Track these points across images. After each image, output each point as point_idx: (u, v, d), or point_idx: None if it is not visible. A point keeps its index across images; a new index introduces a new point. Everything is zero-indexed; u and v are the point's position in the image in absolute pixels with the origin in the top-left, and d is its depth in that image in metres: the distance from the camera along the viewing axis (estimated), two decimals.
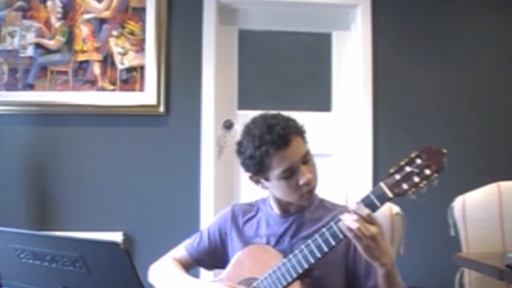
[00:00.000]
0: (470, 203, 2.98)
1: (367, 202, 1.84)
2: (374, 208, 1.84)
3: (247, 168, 2.10)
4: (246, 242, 2.19)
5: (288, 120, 2.08)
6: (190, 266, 2.32)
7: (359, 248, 1.83)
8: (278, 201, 2.17)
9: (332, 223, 1.91)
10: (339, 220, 1.88)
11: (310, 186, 2.06)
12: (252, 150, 2.02)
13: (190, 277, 2.23)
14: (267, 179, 2.08)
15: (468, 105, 4.24)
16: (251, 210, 2.28)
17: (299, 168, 2.03)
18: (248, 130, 2.08)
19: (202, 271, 2.49)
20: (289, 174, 2.03)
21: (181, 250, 2.34)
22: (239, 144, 2.11)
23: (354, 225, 1.79)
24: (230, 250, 2.24)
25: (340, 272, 2.08)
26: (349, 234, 1.81)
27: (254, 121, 2.10)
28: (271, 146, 1.99)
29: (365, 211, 1.81)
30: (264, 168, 2.04)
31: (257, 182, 2.13)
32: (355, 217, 1.80)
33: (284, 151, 2.00)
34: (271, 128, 2.01)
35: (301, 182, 2.03)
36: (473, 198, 3.00)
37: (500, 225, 2.95)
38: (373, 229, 1.79)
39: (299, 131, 2.08)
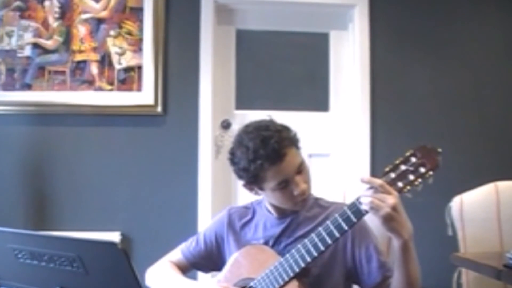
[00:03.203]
0: (468, 203, 2.98)
1: None
2: None
3: (240, 178, 2.10)
4: (243, 245, 2.19)
5: (281, 131, 2.04)
6: (187, 269, 2.32)
7: (378, 221, 1.81)
8: (273, 205, 2.17)
9: (328, 222, 1.91)
10: (336, 218, 1.89)
11: (304, 195, 2.06)
12: (246, 163, 2.01)
13: (186, 278, 2.24)
14: (261, 189, 2.09)
15: (466, 104, 4.25)
16: (247, 213, 2.27)
17: (293, 179, 2.02)
18: (241, 140, 2.05)
19: (200, 272, 2.49)
20: (284, 186, 2.03)
21: (177, 254, 2.34)
22: (232, 153, 2.09)
23: (368, 197, 1.79)
24: (227, 254, 2.24)
25: (339, 270, 2.08)
26: (366, 207, 1.81)
27: (247, 131, 2.07)
28: (265, 161, 1.98)
29: (378, 181, 1.79)
30: (259, 181, 2.04)
31: (251, 190, 2.13)
32: (368, 190, 1.80)
33: (279, 165, 1.99)
34: (266, 142, 1.98)
35: (296, 192, 2.03)
36: (471, 198, 2.99)
37: (498, 225, 2.95)
38: (390, 198, 1.78)
39: (293, 142, 2.06)
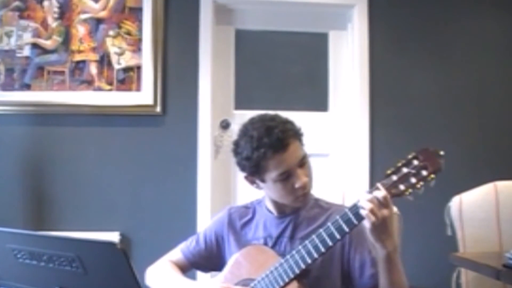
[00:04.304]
0: (467, 203, 2.99)
1: None
2: None
3: (242, 168, 2.11)
4: (244, 245, 2.19)
5: (286, 122, 2.07)
6: (186, 268, 2.32)
7: (367, 227, 1.83)
8: (274, 202, 2.17)
9: (329, 224, 1.91)
10: (337, 220, 1.89)
11: (306, 189, 2.07)
12: (250, 152, 2.02)
13: (186, 278, 2.24)
14: (262, 180, 2.09)
15: (465, 104, 4.25)
16: (248, 212, 2.28)
17: (295, 172, 2.03)
18: (246, 130, 2.07)
19: (199, 272, 2.49)
20: (285, 177, 2.03)
21: (177, 253, 2.34)
22: (236, 144, 2.11)
23: (368, 205, 1.80)
24: (228, 254, 2.24)
25: (337, 272, 2.08)
26: (362, 212, 1.82)
27: (252, 122, 2.09)
28: (269, 149, 1.99)
29: (382, 193, 1.81)
30: (261, 170, 2.04)
31: (252, 182, 2.13)
32: (370, 196, 1.81)
33: (282, 155, 2.00)
34: (270, 131, 2.00)
35: (297, 185, 2.04)
36: (470, 198, 3.00)
37: (497, 225, 2.95)
38: (385, 211, 1.80)
39: (297, 135, 2.07)
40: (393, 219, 1.86)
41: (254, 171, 2.06)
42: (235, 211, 2.30)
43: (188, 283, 2.21)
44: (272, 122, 2.04)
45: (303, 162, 2.06)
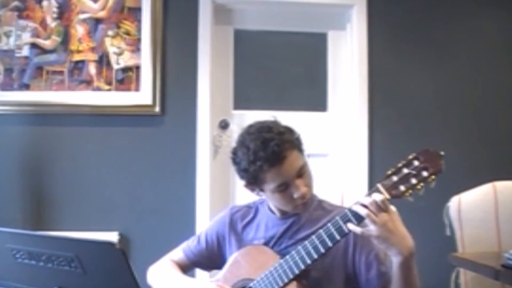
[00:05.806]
0: (466, 203, 2.98)
1: None
2: None
3: (241, 178, 2.10)
4: (245, 245, 2.19)
5: (283, 133, 2.04)
6: (188, 267, 2.33)
7: (371, 235, 1.82)
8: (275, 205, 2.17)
9: (329, 224, 1.91)
10: (336, 220, 1.89)
11: (305, 199, 2.06)
12: (247, 164, 2.01)
13: (185, 277, 2.24)
14: (261, 190, 2.09)
15: (464, 104, 4.25)
16: (249, 212, 2.27)
17: (293, 183, 2.02)
18: (243, 140, 2.05)
19: (198, 271, 2.49)
20: (284, 189, 2.03)
21: (179, 252, 2.35)
22: (234, 153, 2.09)
23: (364, 212, 1.79)
24: (228, 253, 2.24)
25: (339, 274, 2.08)
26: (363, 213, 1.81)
27: (249, 131, 2.07)
28: (265, 163, 1.97)
29: (380, 197, 1.80)
30: (258, 182, 2.04)
31: (252, 190, 2.13)
32: (367, 198, 1.80)
33: (279, 168, 1.98)
34: (266, 144, 1.98)
35: (296, 196, 2.03)
36: (469, 198, 3.00)
37: (496, 225, 2.95)
38: (383, 216, 1.79)
39: (294, 145, 2.05)
40: (398, 221, 1.84)
41: (252, 182, 2.06)
42: (237, 211, 2.29)
43: (187, 282, 2.21)
44: (268, 133, 2.01)
45: (302, 172, 2.04)
